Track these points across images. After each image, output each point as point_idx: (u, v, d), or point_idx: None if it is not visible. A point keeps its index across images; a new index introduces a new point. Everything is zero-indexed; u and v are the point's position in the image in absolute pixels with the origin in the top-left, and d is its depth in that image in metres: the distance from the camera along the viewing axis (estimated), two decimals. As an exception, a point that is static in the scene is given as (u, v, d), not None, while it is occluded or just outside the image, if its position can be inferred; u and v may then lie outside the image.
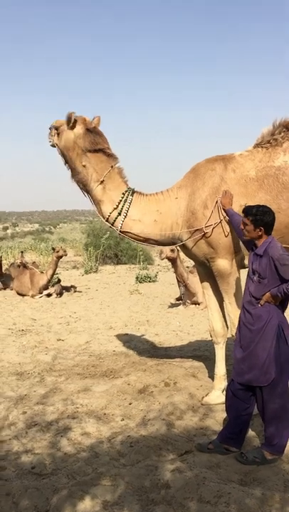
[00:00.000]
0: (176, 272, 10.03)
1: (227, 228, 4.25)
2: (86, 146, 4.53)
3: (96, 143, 4.57)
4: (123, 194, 4.57)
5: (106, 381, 5.37)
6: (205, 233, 4.28)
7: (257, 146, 4.45)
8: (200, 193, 4.33)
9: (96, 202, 4.67)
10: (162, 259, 10.59)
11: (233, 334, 4.44)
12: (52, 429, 4.12)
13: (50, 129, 4.67)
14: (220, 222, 4.23)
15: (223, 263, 4.30)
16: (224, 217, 4.22)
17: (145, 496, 3.05)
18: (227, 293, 4.42)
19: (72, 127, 4.52)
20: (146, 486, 3.15)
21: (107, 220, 4.66)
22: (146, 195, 4.65)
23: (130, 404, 4.66)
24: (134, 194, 4.61)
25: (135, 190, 4.65)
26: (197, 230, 4.32)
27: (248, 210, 3.53)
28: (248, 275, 3.61)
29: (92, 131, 4.58)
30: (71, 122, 4.49)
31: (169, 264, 11.23)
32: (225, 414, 4.12)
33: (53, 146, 4.69)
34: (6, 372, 5.85)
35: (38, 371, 5.84)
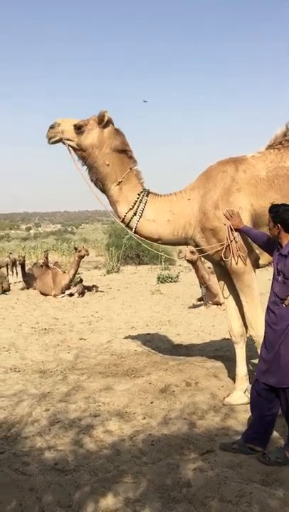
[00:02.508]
0: (197, 273, 10.03)
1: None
2: (117, 146, 4.61)
3: (125, 143, 4.68)
4: (138, 195, 4.65)
5: (128, 380, 5.40)
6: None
7: (269, 147, 4.55)
8: (212, 194, 4.40)
9: (112, 202, 4.73)
10: (180, 259, 10.60)
11: (252, 334, 4.44)
12: (74, 427, 4.17)
13: (52, 126, 4.65)
14: (230, 242, 4.25)
15: (238, 262, 4.32)
16: (234, 237, 4.25)
17: (166, 494, 3.07)
18: (243, 291, 4.43)
19: (104, 126, 4.58)
20: (167, 484, 3.17)
21: (122, 221, 4.73)
22: (161, 195, 4.73)
23: (152, 403, 4.68)
24: (149, 195, 4.69)
25: (150, 191, 4.73)
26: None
27: (271, 208, 3.61)
28: (273, 275, 3.60)
29: (119, 131, 4.69)
30: (104, 121, 4.55)
31: (189, 263, 11.21)
32: (247, 415, 4.12)
33: (54, 143, 4.69)
34: (29, 370, 5.94)
35: (61, 369, 5.92)
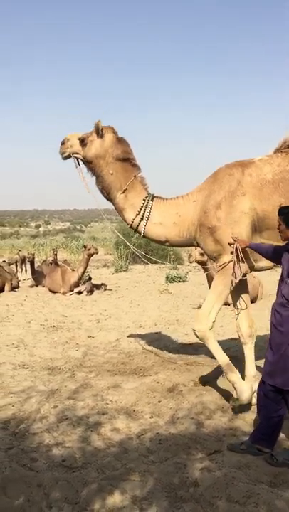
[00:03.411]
0: (207, 274, 10.03)
1: (237, 229, 4.30)
2: (118, 155, 4.73)
3: (127, 152, 4.80)
4: (144, 200, 4.76)
5: (135, 379, 5.41)
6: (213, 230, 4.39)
7: (277, 150, 4.58)
8: (215, 195, 4.45)
9: (119, 210, 4.86)
10: (191, 263, 10.65)
11: (194, 328, 4.47)
12: (82, 424, 4.19)
13: (62, 142, 4.84)
14: (238, 261, 4.25)
15: (228, 260, 4.33)
16: (241, 258, 4.24)
17: (174, 493, 3.07)
18: (216, 287, 4.46)
19: (102, 136, 4.70)
20: (174, 483, 3.17)
21: (131, 226, 4.86)
22: (166, 199, 4.84)
23: (159, 402, 4.69)
24: (154, 199, 4.80)
25: (155, 195, 4.83)
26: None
27: (280, 210, 3.61)
28: (281, 277, 3.59)
29: (121, 140, 4.81)
30: (100, 131, 4.69)
31: (199, 265, 11.21)
32: (255, 416, 4.11)
33: (66, 158, 4.88)
34: (38, 366, 5.97)
35: (69, 367, 5.94)
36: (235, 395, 4.45)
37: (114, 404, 4.64)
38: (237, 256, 4.22)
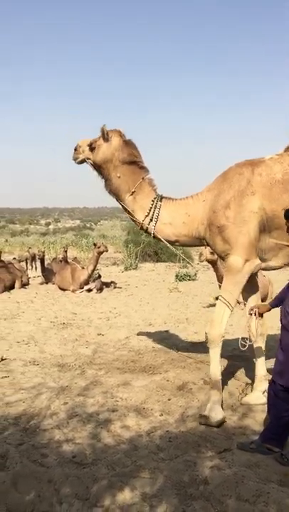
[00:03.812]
0: (216, 273, 10.03)
1: (245, 229, 4.25)
2: (124, 158, 4.75)
3: (133, 155, 4.81)
4: (152, 201, 4.78)
5: (145, 376, 5.42)
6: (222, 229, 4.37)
7: (288, 149, 4.51)
8: (225, 194, 4.43)
9: (128, 212, 4.89)
10: (202, 261, 10.66)
11: (207, 331, 4.41)
12: (92, 421, 4.21)
13: (75, 148, 4.94)
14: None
15: (236, 259, 4.32)
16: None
17: (183, 491, 3.08)
18: (225, 289, 4.40)
19: (107, 140, 4.74)
20: (184, 480, 3.18)
21: (141, 227, 4.89)
22: (175, 199, 4.84)
23: (169, 400, 4.69)
24: (163, 200, 4.81)
25: (163, 196, 4.84)
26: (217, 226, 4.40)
27: (286, 213, 3.60)
28: None
29: (128, 143, 4.82)
30: (106, 136, 4.73)
31: (209, 264, 11.21)
32: (265, 415, 4.10)
33: (80, 162, 4.98)
34: (48, 363, 6.00)
35: (79, 364, 5.97)
36: (205, 412, 4.16)
37: (124, 402, 4.65)
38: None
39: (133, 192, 4.77)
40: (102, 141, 4.76)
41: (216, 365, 4.34)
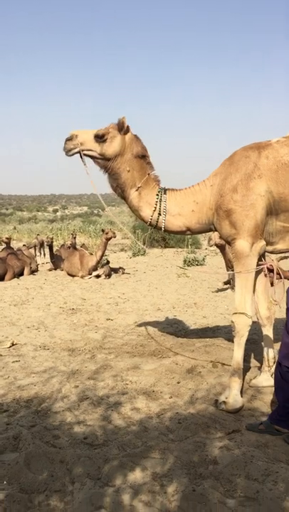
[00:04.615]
0: (224, 257, 10.05)
1: (252, 213, 4.25)
2: (138, 152, 4.64)
3: (145, 149, 4.72)
4: (157, 195, 4.70)
5: (154, 360, 5.47)
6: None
7: None
8: (232, 178, 4.40)
9: (134, 208, 4.77)
10: (211, 246, 10.68)
11: (234, 320, 4.34)
12: (103, 403, 4.27)
13: (69, 139, 4.61)
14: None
15: (243, 244, 4.30)
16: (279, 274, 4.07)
17: (193, 470, 3.13)
18: (240, 276, 4.38)
19: (125, 133, 4.60)
20: (194, 460, 3.23)
21: (150, 224, 4.78)
22: (180, 189, 4.76)
23: (178, 383, 4.74)
24: (167, 192, 4.73)
25: (167, 188, 4.77)
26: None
27: None
28: None
29: (138, 137, 4.71)
30: (124, 128, 4.57)
31: (217, 248, 11.24)
32: (273, 397, 4.14)
33: (73, 154, 4.65)
34: (58, 348, 6.08)
35: (89, 348, 6.03)
36: (223, 398, 4.21)
37: (133, 385, 4.71)
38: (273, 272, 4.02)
39: (139, 187, 4.67)
40: (116, 133, 4.59)
41: (240, 353, 4.31)
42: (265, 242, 4.41)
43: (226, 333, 6.69)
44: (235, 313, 4.32)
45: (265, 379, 4.64)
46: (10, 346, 6.11)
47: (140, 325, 7.26)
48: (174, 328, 7.04)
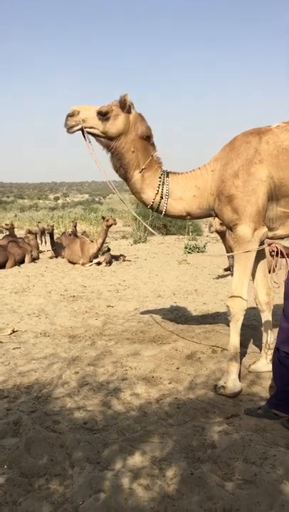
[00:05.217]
0: (225, 244, 10.03)
1: (254, 198, 4.23)
2: (143, 132, 4.50)
3: (150, 129, 4.57)
4: (160, 178, 4.61)
5: (154, 346, 5.50)
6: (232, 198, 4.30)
7: None
8: (233, 163, 4.37)
9: (136, 190, 4.65)
10: (212, 233, 10.65)
11: (229, 304, 4.35)
12: (103, 389, 4.30)
13: (71, 115, 4.43)
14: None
15: (245, 229, 4.29)
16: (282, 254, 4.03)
17: (192, 454, 3.16)
18: (239, 260, 4.37)
19: (129, 111, 4.44)
20: (193, 445, 3.26)
21: (151, 207, 4.69)
22: (182, 173, 4.69)
23: (178, 368, 4.77)
24: (170, 175, 4.65)
25: (169, 171, 4.68)
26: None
27: None
28: None
29: (143, 116, 4.56)
30: (127, 105, 4.39)
31: (218, 235, 11.23)
32: (271, 381, 4.16)
33: (75, 131, 4.47)
34: (58, 335, 6.10)
35: (89, 335, 6.06)
36: (222, 383, 4.23)
37: (133, 371, 4.73)
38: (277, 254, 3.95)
39: (143, 169, 4.55)
40: (120, 111, 4.41)
41: (236, 337, 4.33)
42: (267, 229, 4.40)
43: (226, 319, 6.66)
44: (231, 296, 4.33)
45: (264, 364, 4.66)
46: (11, 333, 6.14)
47: (140, 312, 7.28)
48: (174, 314, 7.06)
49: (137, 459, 3.11)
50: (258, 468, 2.95)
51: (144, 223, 5.36)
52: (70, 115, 4.42)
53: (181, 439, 3.32)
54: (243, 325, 6.10)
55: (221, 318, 6.77)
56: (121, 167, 4.57)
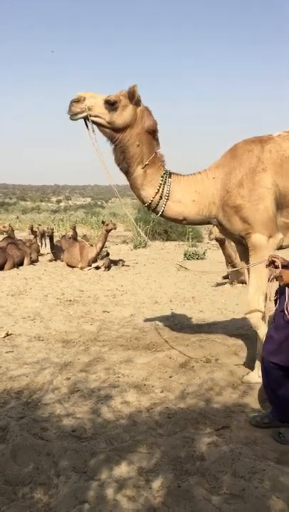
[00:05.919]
0: (224, 252, 10.00)
1: (262, 206, 4.19)
2: (150, 126, 4.40)
3: (156, 124, 4.48)
4: (162, 177, 4.51)
5: (148, 354, 5.45)
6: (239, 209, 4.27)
7: None
8: (236, 172, 4.33)
9: (136, 186, 4.53)
10: (211, 240, 10.64)
11: (247, 314, 4.37)
12: (93, 396, 4.26)
13: (76, 100, 4.25)
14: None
15: (259, 237, 4.26)
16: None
17: (180, 466, 3.11)
18: (256, 272, 4.32)
19: (137, 103, 4.34)
20: (181, 456, 3.21)
21: (148, 205, 4.59)
22: (184, 176, 4.62)
23: (170, 377, 4.72)
24: (172, 176, 4.57)
25: (172, 172, 4.59)
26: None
27: None
28: None
29: (150, 110, 4.46)
30: (135, 97, 4.29)
31: (217, 243, 11.20)
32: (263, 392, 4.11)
33: (78, 119, 4.30)
34: (52, 339, 6.06)
35: (83, 340, 6.01)
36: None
37: (125, 378, 4.69)
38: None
39: (146, 165, 4.42)
40: (128, 102, 4.27)
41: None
42: (282, 236, 4.35)
43: (222, 328, 6.66)
44: (249, 312, 4.33)
45: (259, 375, 4.60)
46: (4, 336, 6.10)
47: (136, 318, 7.24)
48: (170, 321, 7.01)
49: (123, 470, 3.06)
50: (246, 483, 2.89)
51: (138, 230, 5.32)
52: (76, 101, 4.24)
53: (169, 450, 3.27)
54: (239, 335, 6.12)
55: (217, 327, 6.72)
56: (124, 160, 4.43)
